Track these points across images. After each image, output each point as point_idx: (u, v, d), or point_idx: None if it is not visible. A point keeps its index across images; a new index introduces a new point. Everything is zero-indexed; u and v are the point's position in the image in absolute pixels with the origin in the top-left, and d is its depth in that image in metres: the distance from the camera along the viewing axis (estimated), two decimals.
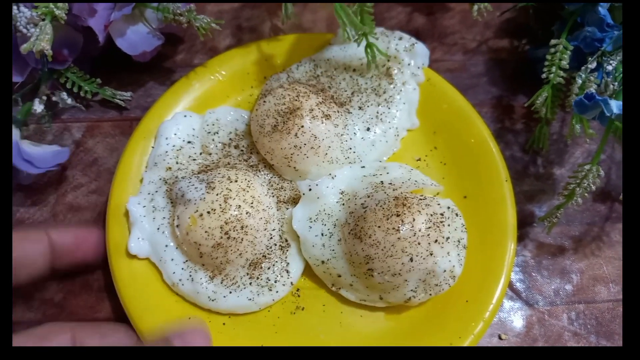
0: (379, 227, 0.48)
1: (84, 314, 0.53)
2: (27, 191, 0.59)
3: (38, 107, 0.56)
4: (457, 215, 0.52)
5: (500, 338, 0.54)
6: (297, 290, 0.53)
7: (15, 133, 0.54)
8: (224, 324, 0.51)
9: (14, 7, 0.53)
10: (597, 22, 0.55)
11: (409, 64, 0.60)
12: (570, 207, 0.52)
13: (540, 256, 0.57)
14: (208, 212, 0.49)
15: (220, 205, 0.50)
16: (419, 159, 0.59)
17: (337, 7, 0.55)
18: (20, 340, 0.42)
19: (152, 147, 0.57)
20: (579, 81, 0.53)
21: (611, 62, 0.52)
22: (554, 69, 0.55)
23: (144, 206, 0.54)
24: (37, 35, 0.51)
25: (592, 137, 0.56)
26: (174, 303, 0.51)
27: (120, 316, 0.51)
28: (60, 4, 0.53)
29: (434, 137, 0.60)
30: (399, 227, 0.47)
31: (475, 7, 0.60)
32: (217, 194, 0.50)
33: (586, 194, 0.51)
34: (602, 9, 0.55)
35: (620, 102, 0.48)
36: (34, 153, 0.55)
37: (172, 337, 0.43)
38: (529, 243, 0.58)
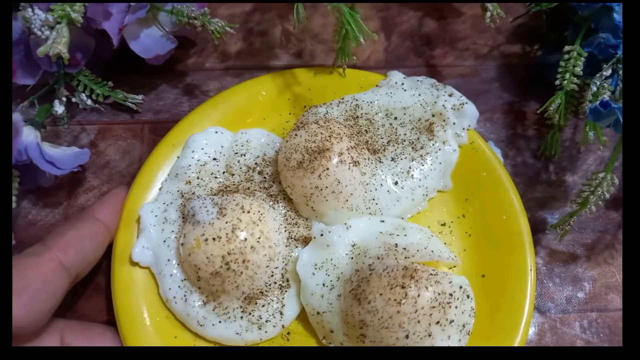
0: (381, 294, 0.45)
1: (94, 317, 0.54)
2: (39, 193, 0.59)
3: (59, 108, 0.57)
4: (468, 297, 0.49)
5: None
6: (288, 333, 0.52)
7: (36, 135, 0.55)
8: None
9: (29, 9, 0.53)
10: (611, 28, 0.55)
11: (453, 123, 0.57)
12: (583, 214, 0.52)
13: (552, 264, 0.57)
14: (213, 239, 0.49)
15: (227, 234, 0.49)
16: (444, 224, 0.56)
17: (346, 13, 0.53)
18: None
19: (178, 157, 0.57)
20: (594, 88, 0.53)
21: None
22: (567, 75, 0.55)
23: (156, 215, 0.54)
24: (53, 38, 0.51)
25: (605, 144, 0.55)
26: (164, 318, 0.51)
27: None
28: (76, 7, 0.53)
29: (465, 204, 0.56)
30: (401, 299, 0.45)
31: (488, 13, 0.59)
32: (226, 222, 0.49)
33: (600, 202, 0.50)
34: (617, 15, 0.54)
35: None
36: (55, 155, 0.55)
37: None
38: (541, 250, 0.58)
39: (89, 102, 0.61)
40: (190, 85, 0.66)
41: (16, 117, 0.52)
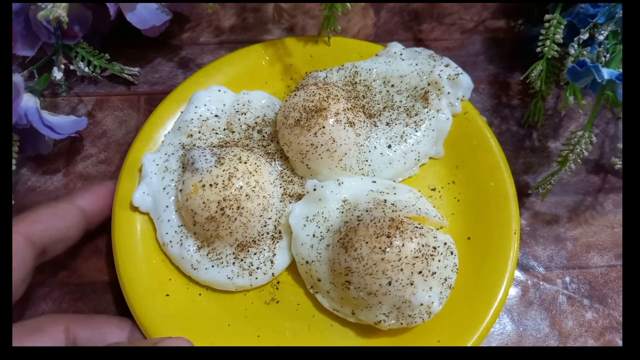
0: (367, 242, 0.47)
1: (93, 277, 0.55)
2: (38, 161, 0.61)
3: (57, 74, 0.59)
4: (452, 253, 0.50)
5: None
6: (277, 282, 0.54)
7: (36, 101, 0.57)
8: (200, 294, 0.53)
9: None
10: None
11: (448, 93, 0.59)
12: (565, 175, 0.54)
13: (535, 224, 0.59)
14: (210, 185, 0.51)
15: (223, 181, 0.51)
16: (434, 189, 0.58)
17: None
18: (15, 331, 0.43)
19: (181, 112, 0.60)
20: (572, 51, 0.55)
21: (602, 32, 0.54)
22: (548, 42, 0.57)
23: (158, 164, 0.56)
24: (53, 3, 0.53)
25: (585, 108, 0.58)
26: (160, 261, 0.53)
27: None
28: None
29: (455, 171, 0.58)
30: (385, 247, 0.46)
31: None
32: (223, 170, 0.51)
33: (579, 160, 0.53)
34: None
35: (611, 70, 0.50)
36: (53, 120, 0.57)
37: (159, 341, 0.44)
38: (525, 212, 0.60)
39: (87, 69, 0.62)
40: (184, 58, 0.68)
41: (17, 78, 0.54)
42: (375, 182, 0.56)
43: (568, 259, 0.58)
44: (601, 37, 0.54)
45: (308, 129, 0.54)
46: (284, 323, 0.51)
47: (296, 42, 0.64)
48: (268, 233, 0.54)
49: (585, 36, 0.55)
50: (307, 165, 0.56)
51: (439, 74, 0.59)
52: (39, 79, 0.60)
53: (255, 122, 0.60)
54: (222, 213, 0.51)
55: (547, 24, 0.58)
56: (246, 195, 0.51)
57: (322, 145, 0.54)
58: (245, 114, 0.59)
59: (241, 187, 0.51)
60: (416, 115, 0.59)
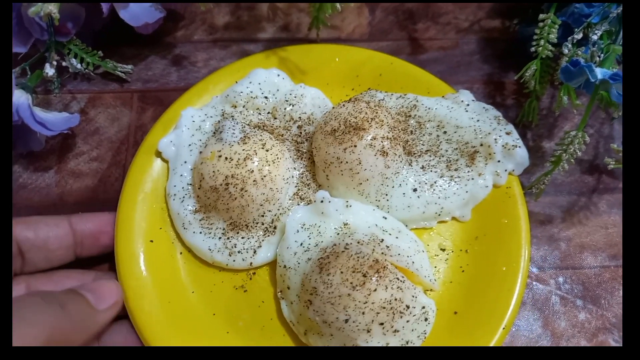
0: (341, 272, 0.45)
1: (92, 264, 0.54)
2: (30, 158, 0.61)
3: (49, 70, 0.59)
4: (426, 320, 0.48)
5: None
6: (253, 273, 0.54)
7: (27, 97, 0.56)
8: (180, 253, 0.54)
9: None
10: None
11: (498, 161, 0.55)
12: (559, 176, 0.53)
13: (529, 224, 0.59)
14: (226, 158, 0.52)
15: (239, 159, 0.52)
16: (444, 250, 0.55)
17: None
18: None
19: (236, 82, 0.61)
20: (566, 51, 0.55)
21: (596, 31, 0.54)
22: (542, 42, 0.57)
23: (194, 121, 0.58)
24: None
25: (579, 108, 0.57)
26: (159, 209, 0.56)
27: None
28: None
29: (473, 242, 0.55)
30: (356, 285, 0.44)
31: None
32: (243, 149, 0.52)
33: (572, 160, 0.52)
34: None
35: (605, 70, 0.49)
36: (46, 117, 0.57)
37: (83, 289, 0.45)
38: None
39: (79, 65, 0.62)
40: (178, 56, 0.68)
41: None
42: (386, 218, 0.53)
43: (561, 260, 0.57)
44: (595, 37, 0.54)
45: (340, 142, 0.53)
46: (242, 313, 0.52)
47: (371, 55, 0.63)
48: (263, 224, 0.54)
49: (579, 36, 0.55)
50: (327, 176, 0.55)
51: (495, 139, 0.55)
52: (31, 75, 0.60)
53: (300, 117, 0.60)
54: (225, 188, 0.51)
55: (541, 24, 0.58)
56: (253, 181, 0.52)
57: (347, 162, 0.53)
58: (293, 106, 0.59)
59: (252, 171, 0.52)
60: (456, 170, 0.56)
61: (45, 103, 0.64)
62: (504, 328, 0.49)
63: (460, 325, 0.50)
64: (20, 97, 0.56)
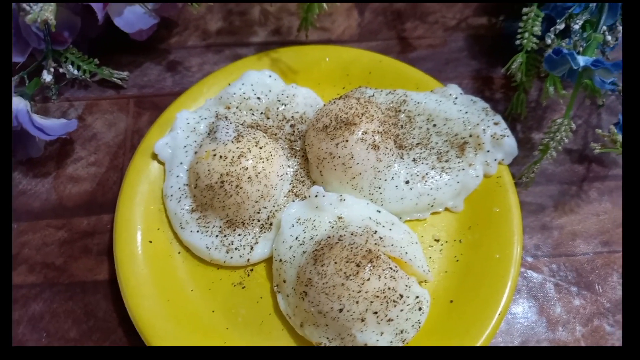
0: (335, 263, 0.46)
1: (83, 276, 0.56)
2: (29, 164, 0.62)
3: (47, 76, 0.61)
4: (420, 309, 0.48)
5: None
6: (251, 270, 0.55)
7: (26, 104, 0.58)
8: (179, 252, 0.55)
9: None
10: None
11: (487, 151, 0.56)
12: (550, 166, 0.54)
13: (522, 214, 0.59)
14: (220, 156, 0.53)
15: (233, 157, 0.53)
16: (438, 240, 0.55)
17: None
18: None
19: (229, 84, 0.62)
20: (549, 41, 0.57)
21: (577, 21, 0.56)
22: (526, 35, 0.58)
23: (189, 123, 0.59)
24: (41, 6, 0.54)
25: (565, 98, 0.58)
26: (156, 210, 0.57)
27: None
28: None
29: (466, 231, 0.55)
30: (350, 274, 0.45)
31: None
32: (237, 147, 0.53)
33: (560, 148, 0.54)
34: None
35: (587, 57, 0.51)
36: (44, 123, 0.58)
37: None
38: None
39: (76, 72, 0.64)
40: (173, 62, 0.70)
41: None
42: (379, 212, 0.54)
43: (554, 247, 0.58)
44: (576, 27, 0.55)
45: (332, 137, 0.54)
46: (240, 309, 0.52)
47: (360, 54, 0.65)
48: (259, 221, 0.55)
49: (562, 26, 0.57)
50: (320, 172, 0.56)
51: (483, 129, 0.57)
52: (29, 83, 0.61)
53: (292, 117, 0.61)
54: (221, 186, 0.52)
55: (525, 17, 0.59)
56: (248, 178, 0.53)
57: (339, 157, 0.54)
58: (285, 105, 0.61)
59: (246, 168, 0.53)
60: (446, 162, 0.57)
61: (43, 111, 0.66)
62: (499, 314, 0.49)
63: (457, 312, 0.51)
64: (19, 104, 0.57)
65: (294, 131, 0.60)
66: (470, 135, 0.57)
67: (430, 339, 0.49)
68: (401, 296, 0.47)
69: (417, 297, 0.48)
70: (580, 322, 0.54)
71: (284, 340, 0.51)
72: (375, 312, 0.45)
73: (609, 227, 0.59)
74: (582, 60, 0.50)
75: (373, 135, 0.54)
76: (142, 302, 0.50)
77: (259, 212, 0.55)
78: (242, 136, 0.54)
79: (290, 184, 0.57)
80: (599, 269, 0.57)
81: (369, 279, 0.45)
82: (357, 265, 0.46)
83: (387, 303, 0.46)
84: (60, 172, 0.62)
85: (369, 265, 0.46)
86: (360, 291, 0.45)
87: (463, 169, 0.56)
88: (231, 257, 0.53)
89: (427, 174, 0.56)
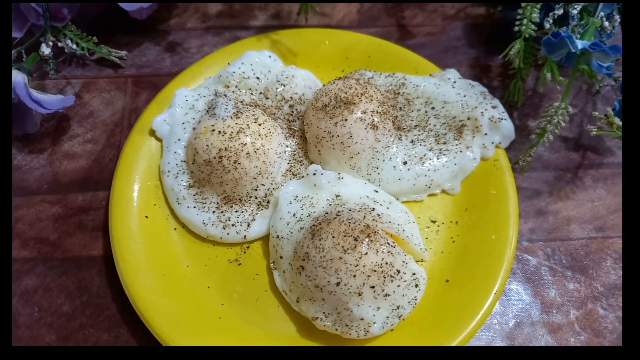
0: (333, 237, 0.46)
1: (77, 252, 0.55)
2: (25, 140, 0.62)
3: (46, 49, 0.61)
4: (416, 286, 0.48)
5: None
6: (247, 247, 0.54)
7: (24, 77, 0.57)
8: (175, 229, 0.55)
9: None
10: None
11: (485, 134, 0.57)
12: (545, 152, 0.55)
13: (518, 199, 0.60)
14: (219, 132, 0.53)
15: (231, 132, 0.53)
16: (434, 222, 0.56)
17: None
18: None
19: (228, 63, 0.62)
20: (547, 26, 0.57)
21: (575, 7, 0.56)
22: (525, 21, 0.59)
23: (187, 100, 0.59)
24: None
25: (562, 85, 0.59)
26: (153, 186, 0.56)
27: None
28: None
29: (463, 213, 0.56)
30: (347, 248, 0.45)
31: None
32: (236, 123, 0.53)
33: (557, 131, 0.54)
34: None
35: (585, 41, 0.51)
36: (41, 97, 0.58)
37: None
38: None
39: (74, 46, 0.63)
40: (172, 43, 0.70)
41: None
42: (377, 191, 0.54)
43: (549, 232, 0.58)
44: (574, 12, 0.56)
45: (331, 116, 0.54)
46: (236, 286, 0.52)
47: (360, 38, 0.65)
48: (256, 198, 0.55)
49: (560, 11, 0.57)
50: (319, 151, 0.56)
51: (481, 112, 0.57)
52: (27, 57, 0.61)
53: (291, 97, 0.61)
54: (219, 161, 0.52)
55: (523, 4, 0.60)
56: (246, 154, 0.53)
57: (338, 136, 0.54)
58: (284, 86, 0.61)
59: (245, 144, 0.53)
60: (444, 144, 0.57)
61: (40, 87, 0.65)
62: (495, 293, 0.49)
63: (453, 292, 0.51)
64: (16, 77, 0.57)
65: (292, 111, 0.60)
66: (468, 118, 0.58)
67: (427, 317, 0.49)
68: (398, 272, 0.47)
69: (414, 273, 0.48)
70: (574, 306, 0.54)
71: (278, 318, 0.51)
72: (372, 287, 0.45)
73: (603, 213, 0.60)
74: (580, 44, 0.51)
75: (372, 115, 0.54)
76: (137, 278, 0.50)
77: (256, 189, 0.54)
78: (241, 112, 0.54)
79: (288, 163, 0.57)
80: (593, 253, 0.57)
81: (366, 253, 0.45)
82: (355, 240, 0.46)
83: (384, 278, 0.46)
84: (56, 149, 0.62)
85: (367, 239, 0.46)
86: (357, 265, 0.45)
87: (460, 151, 0.57)
88: (227, 234, 0.53)
89: (424, 156, 0.56)
